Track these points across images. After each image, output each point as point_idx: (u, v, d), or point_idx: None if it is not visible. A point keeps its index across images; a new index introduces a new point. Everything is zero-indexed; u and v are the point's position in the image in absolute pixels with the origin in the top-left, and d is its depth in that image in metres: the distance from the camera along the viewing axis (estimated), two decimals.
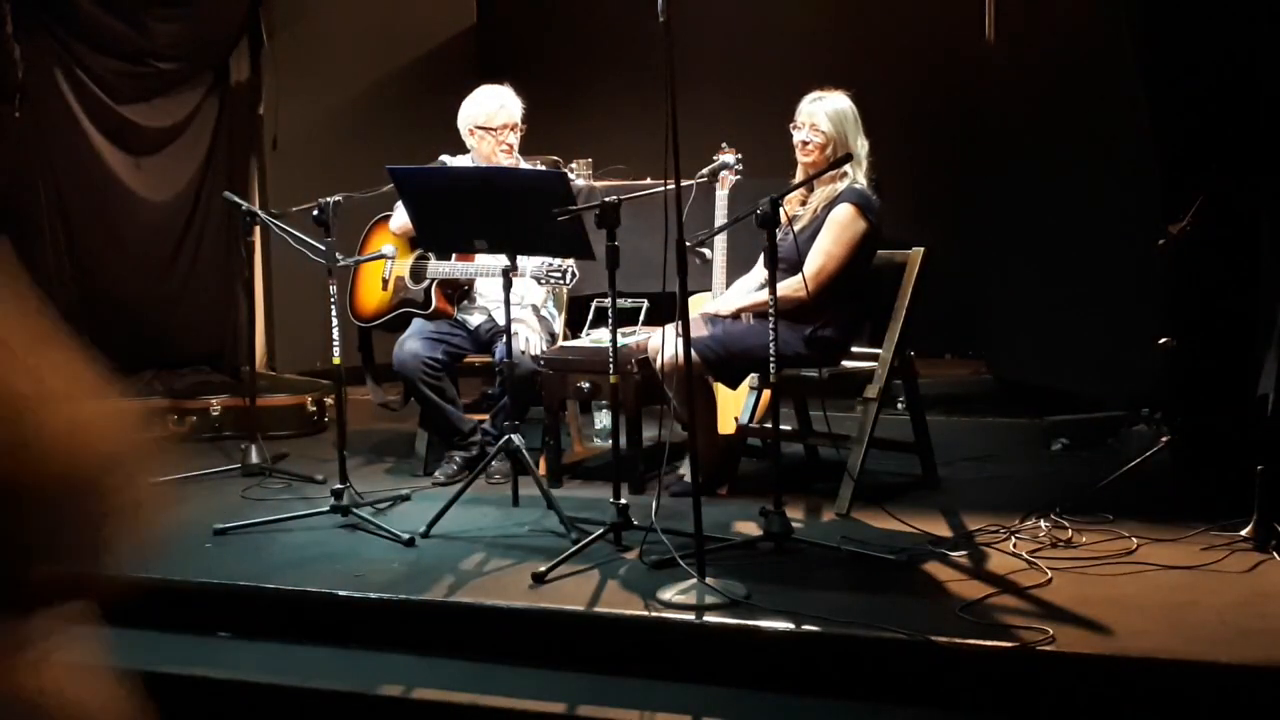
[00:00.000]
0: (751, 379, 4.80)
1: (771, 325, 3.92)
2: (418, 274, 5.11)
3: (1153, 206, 4.68)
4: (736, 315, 4.57)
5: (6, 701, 1.29)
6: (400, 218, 5.09)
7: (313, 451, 5.61)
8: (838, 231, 4.43)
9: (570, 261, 4.58)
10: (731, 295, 4.71)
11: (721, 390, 4.75)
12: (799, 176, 4.57)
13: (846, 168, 4.47)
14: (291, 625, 3.75)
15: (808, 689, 3.25)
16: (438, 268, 5.03)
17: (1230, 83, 4.34)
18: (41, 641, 1.33)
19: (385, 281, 5.17)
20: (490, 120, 4.97)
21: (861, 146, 4.52)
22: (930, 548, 3.98)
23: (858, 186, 4.48)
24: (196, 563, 4.05)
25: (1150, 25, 4.62)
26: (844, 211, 4.45)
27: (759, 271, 4.74)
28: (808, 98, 4.56)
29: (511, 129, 4.99)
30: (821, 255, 4.43)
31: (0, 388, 1.27)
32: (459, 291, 5.12)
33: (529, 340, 4.92)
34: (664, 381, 4.50)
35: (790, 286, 4.33)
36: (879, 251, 4.81)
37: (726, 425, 4.83)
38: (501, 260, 4.37)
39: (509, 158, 4.99)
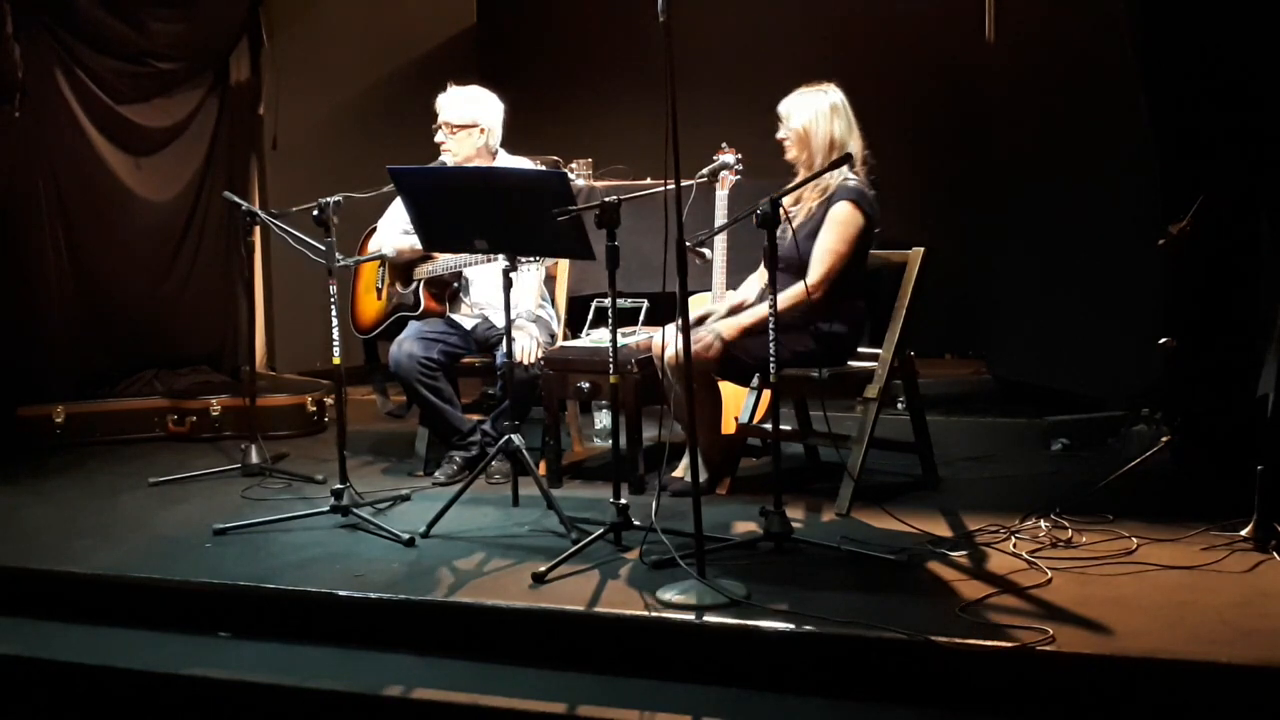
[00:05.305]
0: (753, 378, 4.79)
1: (771, 325, 3.92)
2: (407, 278, 5.13)
3: (1153, 206, 4.69)
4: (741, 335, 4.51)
5: None
6: (379, 238, 5.12)
7: (313, 451, 5.62)
8: (840, 229, 4.42)
9: None
10: (731, 313, 4.61)
11: (725, 389, 4.74)
12: (800, 175, 4.56)
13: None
14: (291, 625, 3.75)
15: (808, 689, 3.25)
16: (422, 268, 5.05)
17: (1229, 83, 4.34)
18: None
19: (379, 291, 5.20)
20: (440, 112, 5.02)
21: (852, 142, 4.49)
22: (930, 548, 3.98)
23: (851, 183, 4.47)
24: (196, 563, 4.06)
25: (1150, 25, 4.62)
26: (843, 209, 4.45)
27: (755, 280, 4.73)
28: (791, 94, 4.57)
29: (443, 126, 4.99)
30: (829, 255, 4.41)
31: None
32: (448, 290, 5.13)
33: (524, 349, 4.88)
34: (668, 378, 4.50)
35: (792, 296, 4.33)
36: (879, 251, 4.81)
37: (727, 425, 4.82)
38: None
39: (447, 154, 5.00)
